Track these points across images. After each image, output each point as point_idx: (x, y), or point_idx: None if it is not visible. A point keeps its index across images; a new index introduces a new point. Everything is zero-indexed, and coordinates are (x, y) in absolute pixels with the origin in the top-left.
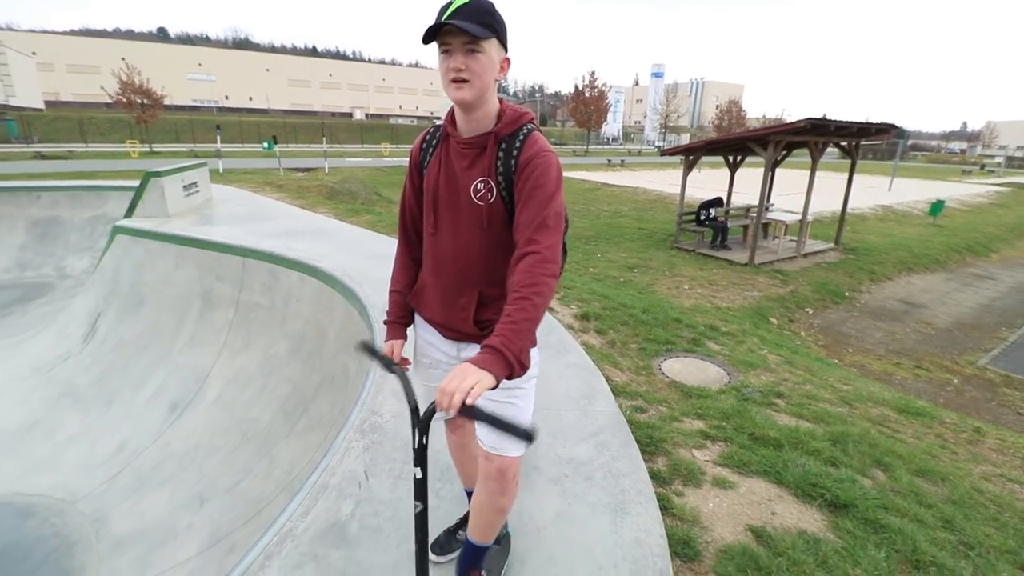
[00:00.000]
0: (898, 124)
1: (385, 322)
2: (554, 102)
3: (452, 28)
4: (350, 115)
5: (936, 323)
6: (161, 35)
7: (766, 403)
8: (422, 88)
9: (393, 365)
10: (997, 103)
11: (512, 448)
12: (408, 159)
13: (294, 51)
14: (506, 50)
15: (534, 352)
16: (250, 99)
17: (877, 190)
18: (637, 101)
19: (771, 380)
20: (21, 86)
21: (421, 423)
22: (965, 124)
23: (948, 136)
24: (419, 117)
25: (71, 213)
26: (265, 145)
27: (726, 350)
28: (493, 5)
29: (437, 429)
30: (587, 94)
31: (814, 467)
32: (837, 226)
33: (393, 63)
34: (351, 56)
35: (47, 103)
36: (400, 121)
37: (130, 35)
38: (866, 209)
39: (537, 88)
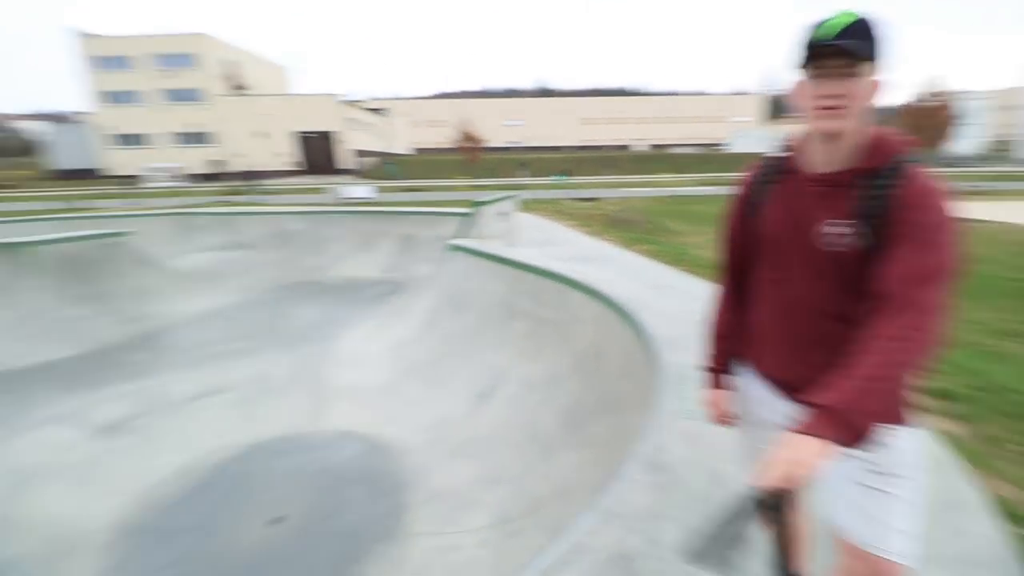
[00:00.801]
0: None
1: (708, 369)
2: (881, 116)
3: (834, 49)
4: (632, 147)
5: None
6: (484, 92)
7: None
8: (705, 116)
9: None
10: None
11: (895, 552)
12: (735, 193)
13: (584, 93)
14: (884, 70)
15: (911, 434)
16: (548, 138)
17: None
18: (1003, 109)
19: None
20: (399, 139)
21: None
22: None
23: None
24: (700, 144)
25: (422, 232)
26: (557, 177)
27: None
28: (879, 21)
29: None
30: (922, 105)
31: None
32: None
33: (674, 94)
34: (633, 92)
35: (417, 150)
36: (681, 150)
37: (464, 94)
38: None
39: None
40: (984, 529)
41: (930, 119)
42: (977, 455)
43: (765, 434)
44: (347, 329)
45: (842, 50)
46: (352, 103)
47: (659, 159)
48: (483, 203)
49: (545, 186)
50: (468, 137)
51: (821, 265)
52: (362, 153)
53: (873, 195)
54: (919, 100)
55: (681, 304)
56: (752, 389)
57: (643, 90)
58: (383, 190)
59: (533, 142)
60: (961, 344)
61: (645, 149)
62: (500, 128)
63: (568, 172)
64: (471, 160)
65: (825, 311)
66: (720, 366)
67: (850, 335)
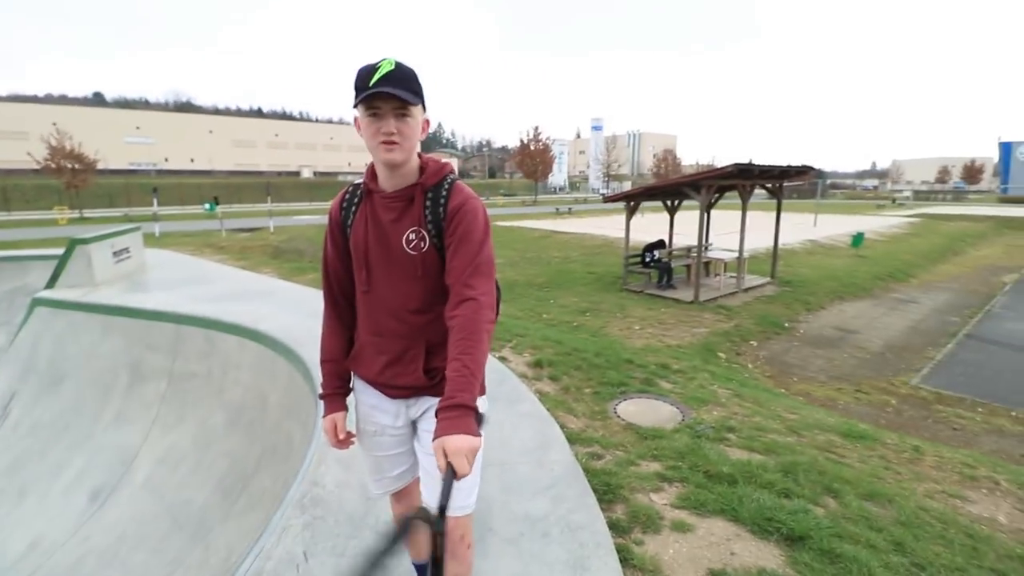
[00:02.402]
0: (815, 166)
1: (322, 396)
2: (501, 155)
3: (384, 94)
4: (298, 173)
5: (870, 347)
6: (97, 100)
7: (719, 439)
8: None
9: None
10: (900, 143)
11: (458, 506)
12: (328, 217)
13: (239, 112)
14: (425, 111)
15: (483, 400)
16: (192, 160)
17: (803, 226)
18: (580, 152)
19: (722, 415)
20: None
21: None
22: (874, 164)
23: (861, 175)
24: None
25: None
26: (206, 207)
27: (678, 388)
28: (415, 71)
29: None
30: (532, 147)
31: (768, 500)
32: (771, 261)
33: (341, 122)
34: (298, 116)
35: None
36: (350, 178)
37: (63, 100)
38: (796, 244)
39: (484, 143)
40: (563, 456)
41: (536, 158)
42: (559, 402)
43: (380, 440)
44: None
45: (392, 95)
46: None
47: (327, 186)
48: (87, 240)
49: (189, 216)
50: (67, 155)
51: (402, 269)
52: None
53: (434, 205)
54: (527, 144)
55: None
56: (365, 399)
57: (307, 116)
58: None
59: (170, 164)
60: (555, 323)
61: (310, 176)
62: (121, 146)
63: (215, 200)
64: (73, 185)
65: (411, 309)
66: (332, 389)
67: (436, 326)
